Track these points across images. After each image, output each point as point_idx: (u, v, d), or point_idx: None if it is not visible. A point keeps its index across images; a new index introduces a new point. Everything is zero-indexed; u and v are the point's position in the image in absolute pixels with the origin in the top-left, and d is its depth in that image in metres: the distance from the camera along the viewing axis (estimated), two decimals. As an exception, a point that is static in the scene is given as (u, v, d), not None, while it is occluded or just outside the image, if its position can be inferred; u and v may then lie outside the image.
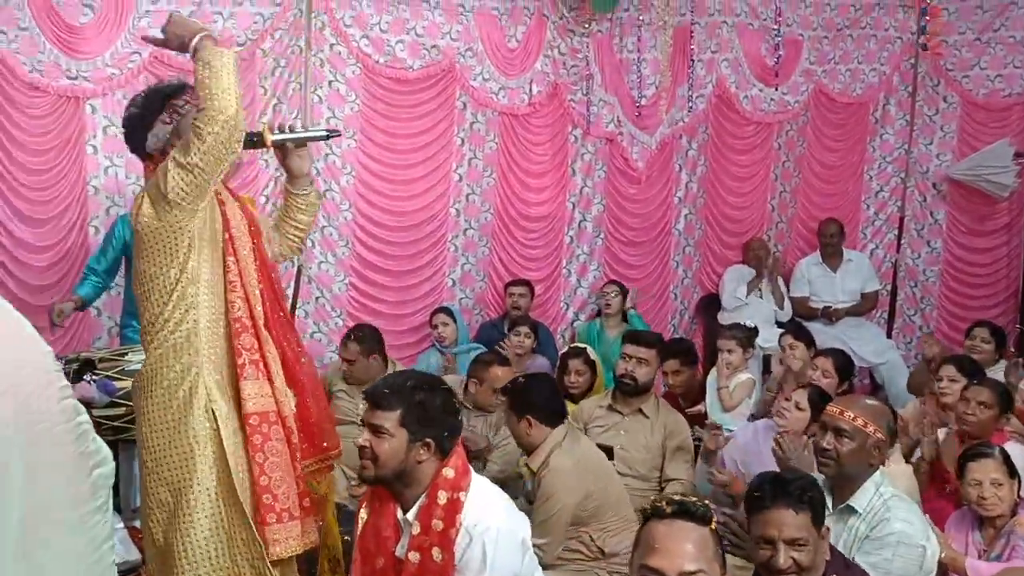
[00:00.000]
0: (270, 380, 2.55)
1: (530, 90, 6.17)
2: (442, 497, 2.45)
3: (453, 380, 4.88)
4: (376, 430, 2.47)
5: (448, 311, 5.72)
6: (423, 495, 2.47)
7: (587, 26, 6.28)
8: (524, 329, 5.51)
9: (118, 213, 5.01)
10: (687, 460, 4.19)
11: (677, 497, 1.97)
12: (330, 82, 5.77)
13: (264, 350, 2.55)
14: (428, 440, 2.47)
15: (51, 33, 5.00)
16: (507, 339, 5.52)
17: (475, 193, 6.20)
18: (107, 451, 1.02)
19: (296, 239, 2.87)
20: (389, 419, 2.46)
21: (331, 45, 5.73)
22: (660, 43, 6.30)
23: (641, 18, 6.37)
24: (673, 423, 4.23)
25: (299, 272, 5.79)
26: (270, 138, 2.67)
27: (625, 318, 6.07)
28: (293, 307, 5.78)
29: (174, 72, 5.21)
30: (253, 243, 2.63)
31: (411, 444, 2.45)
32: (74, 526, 0.91)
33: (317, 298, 5.93)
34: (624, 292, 6.08)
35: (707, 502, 1.99)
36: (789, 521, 2.34)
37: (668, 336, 6.26)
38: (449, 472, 2.47)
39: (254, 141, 2.63)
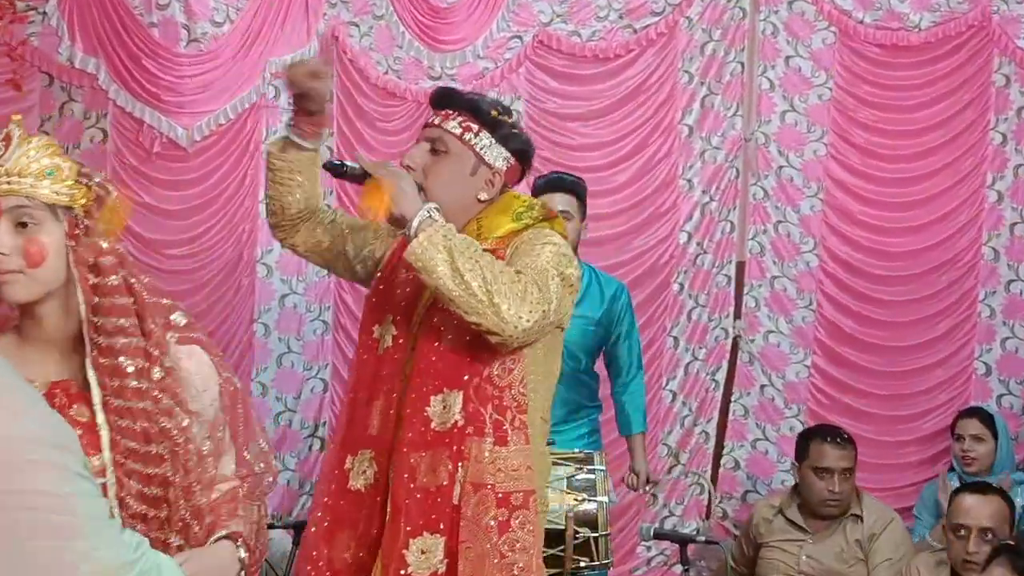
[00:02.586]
0: None
1: None
2: None
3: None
4: None
5: (983, 416, 4.43)
6: None
7: None
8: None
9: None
10: None
11: None
12: (788, 58, 4.83)
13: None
14: None
15: (412, 20, 4.58)
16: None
17: (1030, 221, 4.85)
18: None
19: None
20: None
21: (790, 3, 4.79)
22: None
23: None
24: None
25: (735, 346, 4.80)
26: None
27: None
28: (726, 397, 4.77)
29: (563, 58, 4.83)
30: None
31: None
32: None
33: (763, 387, 4.85)
34: None
35: None
36: None
37: None
38: None
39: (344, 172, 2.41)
